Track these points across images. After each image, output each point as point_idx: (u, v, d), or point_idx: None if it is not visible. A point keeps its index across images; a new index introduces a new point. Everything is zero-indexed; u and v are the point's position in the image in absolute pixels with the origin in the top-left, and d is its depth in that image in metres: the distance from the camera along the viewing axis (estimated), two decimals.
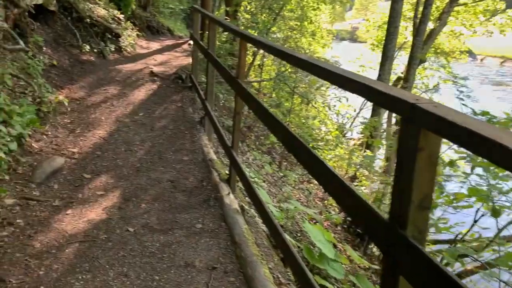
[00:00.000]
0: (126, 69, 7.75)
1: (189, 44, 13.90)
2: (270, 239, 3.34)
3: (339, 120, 10.93)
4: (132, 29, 11.76)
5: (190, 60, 9.79)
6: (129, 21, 12.11)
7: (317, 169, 1.88)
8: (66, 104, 5.04)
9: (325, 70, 1.73)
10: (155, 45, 12.35)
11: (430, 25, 10.70)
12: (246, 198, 4.26)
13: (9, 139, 3.63)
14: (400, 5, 8.85)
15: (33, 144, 4.06)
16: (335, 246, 4.33)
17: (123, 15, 10.93)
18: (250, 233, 3.02)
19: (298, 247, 3.46)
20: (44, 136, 4.36)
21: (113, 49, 8.71)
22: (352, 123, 13.80)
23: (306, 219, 4.66)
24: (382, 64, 9.17)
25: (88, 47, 7.78)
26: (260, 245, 2.99)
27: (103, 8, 9.81)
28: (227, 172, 4.13)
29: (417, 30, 9.02)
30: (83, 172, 3.82)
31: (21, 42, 5.51)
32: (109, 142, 4.56)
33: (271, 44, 2.78)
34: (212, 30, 4.96)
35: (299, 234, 4.12)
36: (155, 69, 7.90)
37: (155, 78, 7.24)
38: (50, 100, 4.84)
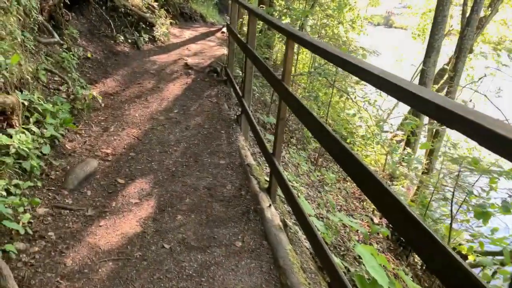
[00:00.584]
0: (160, 60, 7.56)
1: (223, 33, 13.61)
2: (315, 259, 3.07)
3: (375, 113, 10.42)
4: (166, 17, 11.57)
5: (224, 50, 9.52)
6: (162, 9, 11.94)
7: (388, 207, 1.58)
8: (100, 100, 4.89)
9: (410, 92, 1.40)
10: (188, 33, 12.14)
11: (481, 13, 9.94)
12: (285, 205, 4.00)
13: (42, 141, 3.49)
14: None
15: (66, 145, 3.92)
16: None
17: (156, 3, 10.74)
18: (295, 255, 2.75)
19: (345, 267, 3.18)
20: (78, 136, 4.22)
21: (147, 39, 8.54)
22: (389, 115, 13.21)
23: (349, 225, 4.35)
24: (427, 56, 8.58)
25: (122, 37, 7.64)
26: (306, 270, 2.72)
27: None
28: (266, 178, 3.87)
29: (468, 19, 8.35)
30: (117, 177, 3.65)
31: (56, 35, 5.38)
32: (143, 142, 4.38)
33: (326, 48, 2.45)
34: (252, 24, 4.64)
35: (343, 248, 3.82)
36: (190, 61, 7.67)
37: (190, 71, 7.01)
38: (84, 96, 4.70)
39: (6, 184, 2.79)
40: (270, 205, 3.28)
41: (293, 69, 10.67)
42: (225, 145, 4.49)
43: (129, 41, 7.89)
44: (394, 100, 12.43)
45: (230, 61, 6.46)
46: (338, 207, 5.84)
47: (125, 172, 3.76)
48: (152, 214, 3.15)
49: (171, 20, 12.70)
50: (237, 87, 5.52)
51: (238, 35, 5.37)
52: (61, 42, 5.44)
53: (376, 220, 5.50)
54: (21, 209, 2.70)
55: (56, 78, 4.77)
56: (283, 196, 3.65)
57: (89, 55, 6.21)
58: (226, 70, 6.57)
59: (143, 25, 8.59)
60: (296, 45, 3.73)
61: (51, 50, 5.25)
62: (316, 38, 9.57)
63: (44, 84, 4.45)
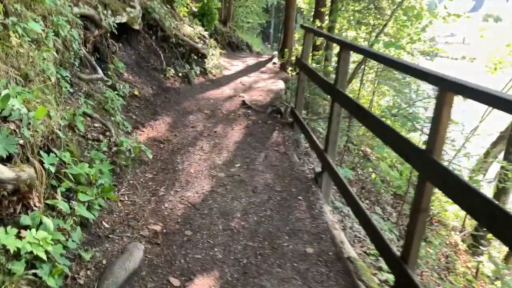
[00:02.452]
0: (214, 97, 6.66)
1: (274, 64, 12.75)
2: None
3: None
4: (216, 47, 10.85)
5: (280, 84, 8.56)
6: (212, 38, 11.26)
7: None
8: (149, 154, 3.92)
9: None
10: (238, 64, 11.36)
11: None
12: None
13: (71, 224, 2.52)
14: None
15: (103, 222, 2.94)
16: None
17: (207, 32, 10.03)
18: None
19: None
20: (119, 205, 3.24)
21: (198, 72, 7.72)
22: (457, 153, 11.66)
23: None
24: None
25: (172, 70, 6.83)
26: None
27: (189, 25, 8.94)
28: (378, 282, 2.69)
29: None
30: (169, 274, 2.60)
31: (100, 70, 4.56)
32: (201, 212, 3.34)
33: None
34: (344, 61, 3.59)
35: None
36: (246, 98, 6.72)
37: (248, 110, 6.03)
38: (129, 149, 3.76)
39: None
40: None
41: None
42: (308, 221, 3.37)
43: (180, 74, 7.07)
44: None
45: (298, 101, 5.41)
46: None
47: (180, 264, 2.70)
48: None
49: (220, 50, 12.00)
50: (314, 136, 4.43)
51: (320, 74, 4.31)
52: (105, 78, 4.60)
53: None
54: None
55: (96, 125, 3.89)
56: None
57: (136, 93, 5.37)
58: (292, 112, 5.53)
59: (195, 57, 7.79)
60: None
61: (93, 88, 4.41)
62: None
63: (82, 134, 3.55)
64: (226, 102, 6.43)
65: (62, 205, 2.53)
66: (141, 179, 3.72)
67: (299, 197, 3.74)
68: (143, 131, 4.68)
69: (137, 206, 3.29)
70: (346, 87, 3.72)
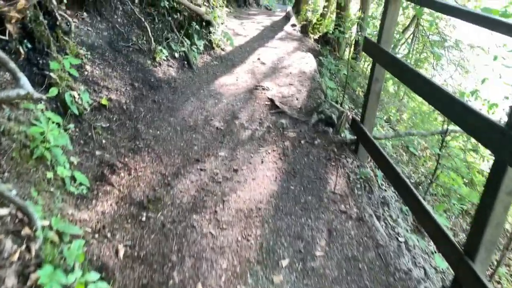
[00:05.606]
0: (226, 90, 4.55)
1: (293, 26, 10.39)
2: None
3: None
4: (221, 6, 8.51)
5: (311, 61, 6.39)
6: None
7: None
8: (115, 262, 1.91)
9: None
10: (249, 27, 9.05)
11: None
12: None
13: None
14: None
15: None
16: None
17: None
18: None
19: None
20: None
21: (201, 48, 5.54)
22: None
23: None
24: None
25: (164, 51, 4.66)
26: None
27: None
28: None
29: None
30: None
31: (24, 80, 2.43)
32: None
33: None
34: None
35: None
36: (274, 92, 4.61)
37: (281, 119, 3.94)
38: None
39: None
40: None
41: None
42: None
43: (176, 55, 4.91)
44: None
45: (368, 113, 3.33)
46: None
47: None
48: None
49: (227, 9, 9.66)
50: (425, 204, 2.41)
51: (438, 85, 2.20)
52: (36, 94, 2.50)
53: None
54: None
55: (2, 212, 1.88)
56: None
57: (104, 102, 3.28)
58: (355, 125, 3.48)
59: (196, 26, 5.56)
60: None
61: (13, 115, 2.35)
62: None
63: None
64: (246, 102, 4.33)
65: None
66: None
67: None
68: (111, 184, 2.66)
69: None
70: None
